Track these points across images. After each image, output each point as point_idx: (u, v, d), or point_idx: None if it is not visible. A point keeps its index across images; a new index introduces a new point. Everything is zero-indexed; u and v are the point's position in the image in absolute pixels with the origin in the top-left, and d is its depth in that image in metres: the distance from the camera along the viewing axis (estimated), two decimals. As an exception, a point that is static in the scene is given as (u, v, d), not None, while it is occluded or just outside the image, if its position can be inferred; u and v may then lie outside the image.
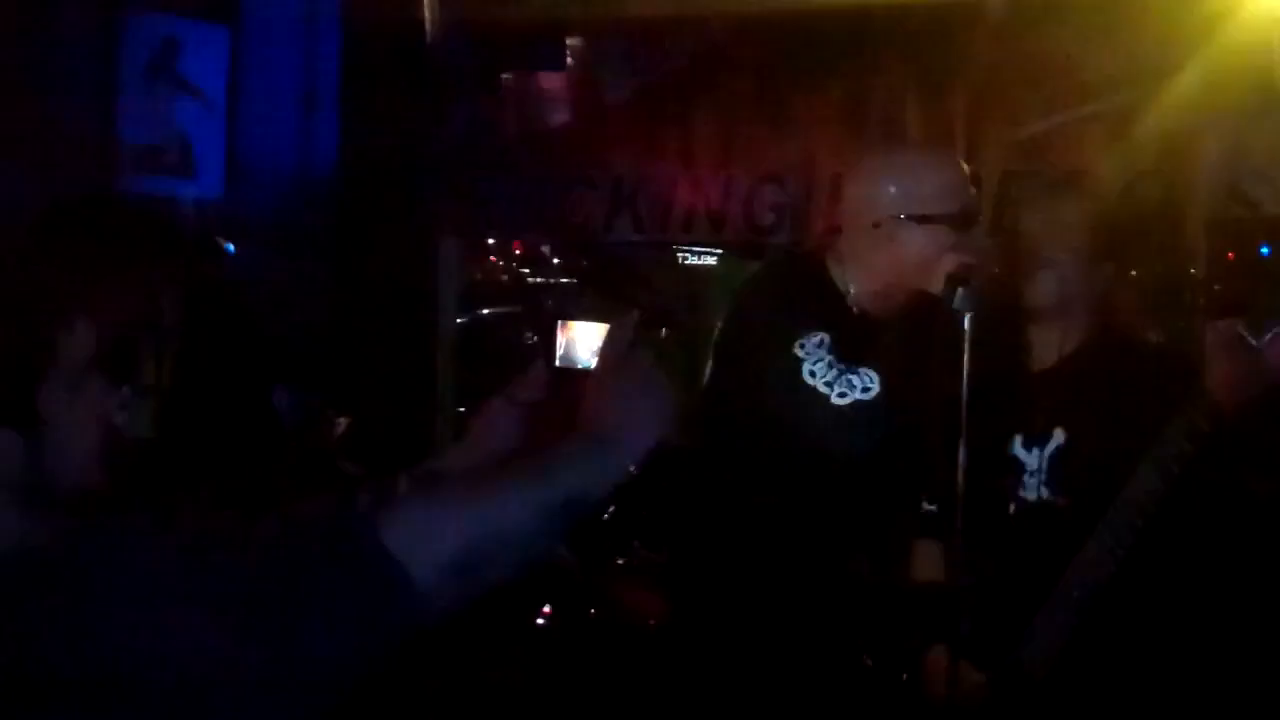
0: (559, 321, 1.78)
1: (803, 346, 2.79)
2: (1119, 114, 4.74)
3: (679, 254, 6.01)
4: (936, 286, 2.80)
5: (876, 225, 2.90)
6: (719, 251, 5.86)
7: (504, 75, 6.03)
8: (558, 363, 1.76)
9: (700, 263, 6.06)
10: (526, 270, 6.51)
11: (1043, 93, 4.87)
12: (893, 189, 2.91)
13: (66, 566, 1.30)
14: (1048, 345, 2.91)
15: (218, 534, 1.60)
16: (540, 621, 4.20)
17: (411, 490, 1.66)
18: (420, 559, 1.31)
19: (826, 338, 2.80)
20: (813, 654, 2.97)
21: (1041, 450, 2.85)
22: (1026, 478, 2.86)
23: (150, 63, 5.45)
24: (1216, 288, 3.53)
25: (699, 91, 5.61)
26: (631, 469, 1.54)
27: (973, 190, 2.99)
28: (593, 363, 1.68)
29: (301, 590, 1.29)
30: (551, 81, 5.95)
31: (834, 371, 2.77)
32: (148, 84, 5.47)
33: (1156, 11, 4.60)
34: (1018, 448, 2.88)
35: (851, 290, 2.96)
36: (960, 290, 2.73)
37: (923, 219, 2.87)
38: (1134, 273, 3.77)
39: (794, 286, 3.00)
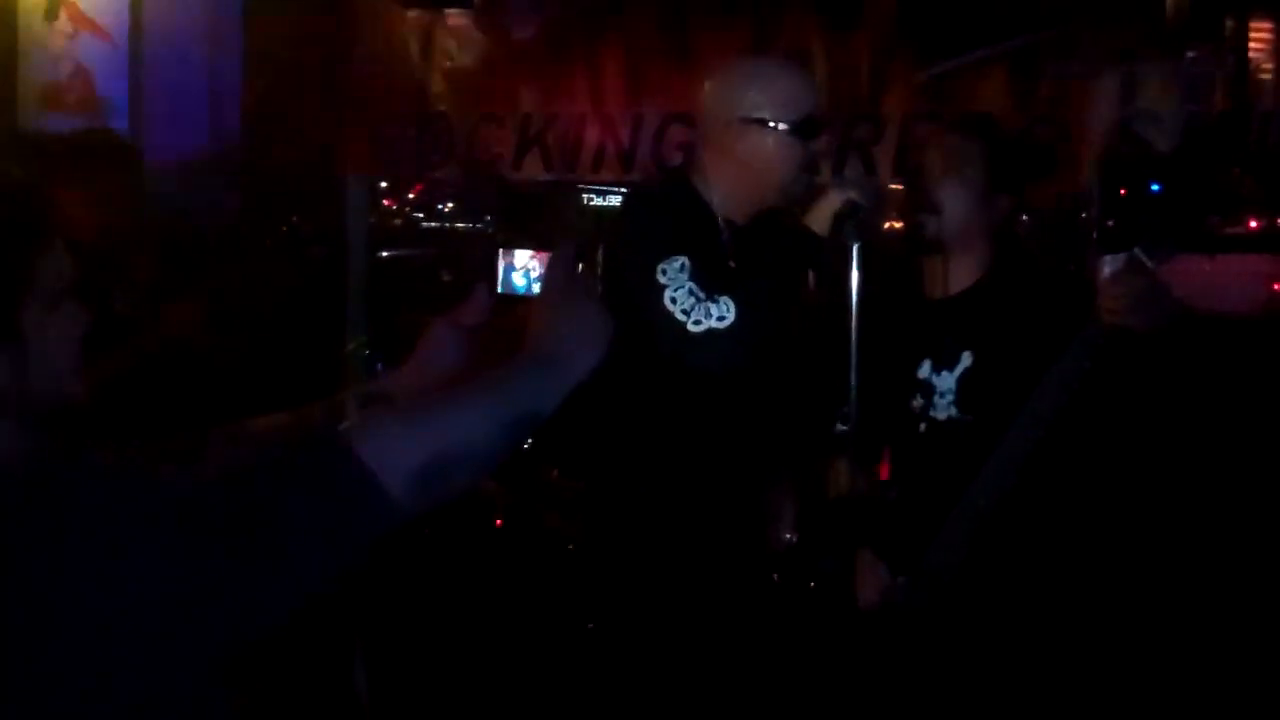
0: (500, 250, 1.85)
1: (664, 272, 2.86)
2: (1017, 56, 4.89)
3: (584, 194, 6.05)
4: (782, 198, 3.00)
5: (726, 126, 3.04)
6: (623, 191, 5.90)
7: (411, 13, 6.00)
8: (499, 289, 1.83)
9: (605, 203, 6.10)
10: (421, 215, 6.52)
11: (944, 36, 4.98)
12: (737, 93, 3.05)
13: (53, 482, 1.36)
14: (953, 275, 3.03)
15: (196, 451, 1.67)
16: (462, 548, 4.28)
17: (360, 408, 1.75)
18: (391, 470, 1.39)
19: (687, 261, 2.86)
20: (721, 572, 3.09)
21: (950, 372, 2.98)
22: (937, 398, 2.99)
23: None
24: (1110, 223, 3.70)
25: (607, 29, 5.63)
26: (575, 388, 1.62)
27: (817, 103, 3.10)
28: (533, 289, 1.77)
29: (283, 502, 1.36)
30: (458, 18, 5.94)
31: (692, 299, 2.83)
32: (46, 20, 5.40)
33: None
34: (927, 371, 3.01)
35: (714, 202, 3.06)
36: (848, 223, 2.89)
37: (762, 123, 3.01)
38: (1030, 208, 3.91)
39: (660, 207, 3.10)
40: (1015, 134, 4.63)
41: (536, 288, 1.78)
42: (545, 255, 1.61)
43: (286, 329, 4.59)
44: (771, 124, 3.01)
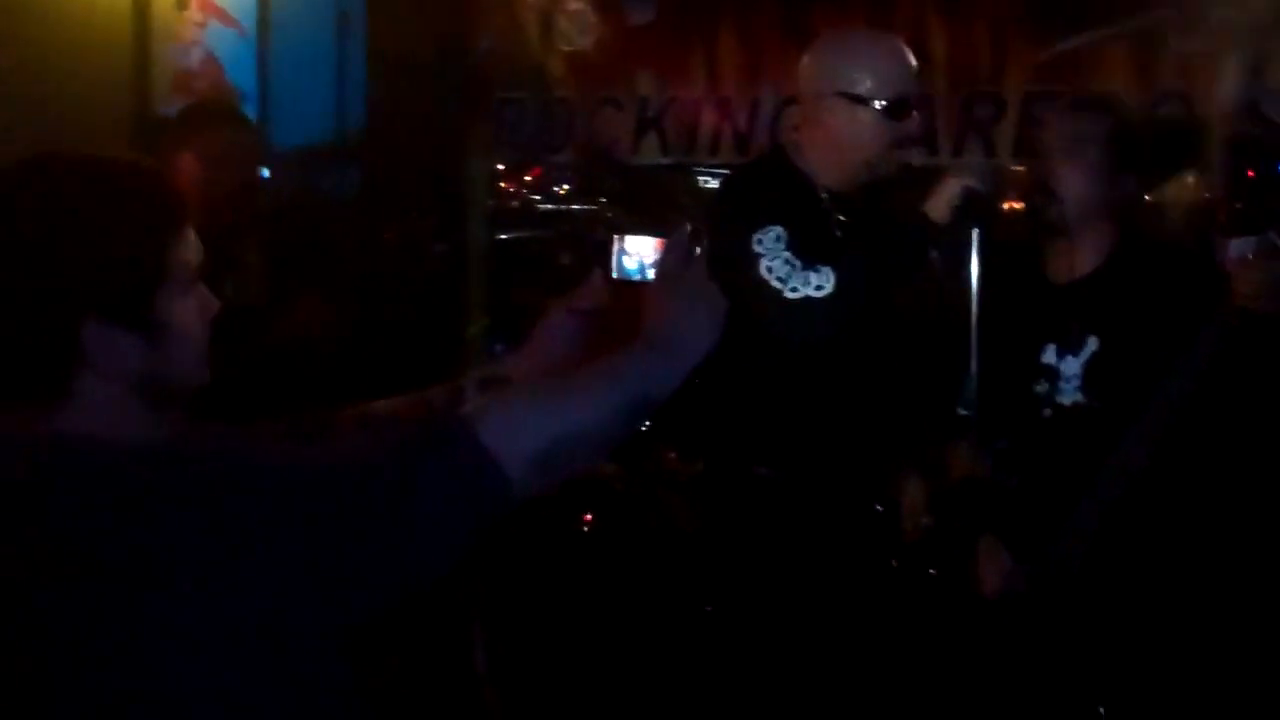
0: (614, 235, 1.87)
1: (760, 242, 2.86)
2: (1142, 34, 4.80)
3: (699, 176, 6.06)
4: (869, 174, 2.98)
5: (819, 99, 3.03)
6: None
7: (529, -1, 6.05)
8: (614, 274, 1.86)
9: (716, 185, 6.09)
10: (538, 198, 6.57)
11: (1066, 14, 4.92)
12: (831, 66, 3.04)
13: (185, 462, 1.42)
14: (1077, 259, 2.99)
15: (325, 432, 1.73)
16: (583, 529, 4.32)
17: (480, 391, 1.79)
18: (511, 454, 1.43)
19: (783, 231, 2.86)
20: (839, 557, 3.09)
21: (1076, 357, 2.94)
22: (1062, 384, 2.94)
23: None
24: (1238, 205, 3.61)
25: (724, 13, 5.64)
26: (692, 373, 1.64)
27: (912, 81, 3.06)
28: (648, 274, 1.79)
29: (406, 484, 1.40)
30: (578, 3, 5.97)
31: (788, 268, 2.82)
32: (178, 9, 5.53)
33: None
34: (1050, 355, 2.97)
35: (812, 174, 3.06)
36: (966, 211, 2.88)
37: (852, 98, 2.99)
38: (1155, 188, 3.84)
39: (757, 181, 3.11)
40: (1139, 113, 4.57)
41: (650, 273, 1.79)
42: (659, 241, 1.63)
43: (408, 322, 4.66)
44: (861, 100, 2.99)
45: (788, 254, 2.84)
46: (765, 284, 2.83)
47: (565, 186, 6.55)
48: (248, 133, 3.88)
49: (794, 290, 2.81)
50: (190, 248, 1.51)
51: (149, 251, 1.46)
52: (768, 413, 3.08)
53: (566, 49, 6.02)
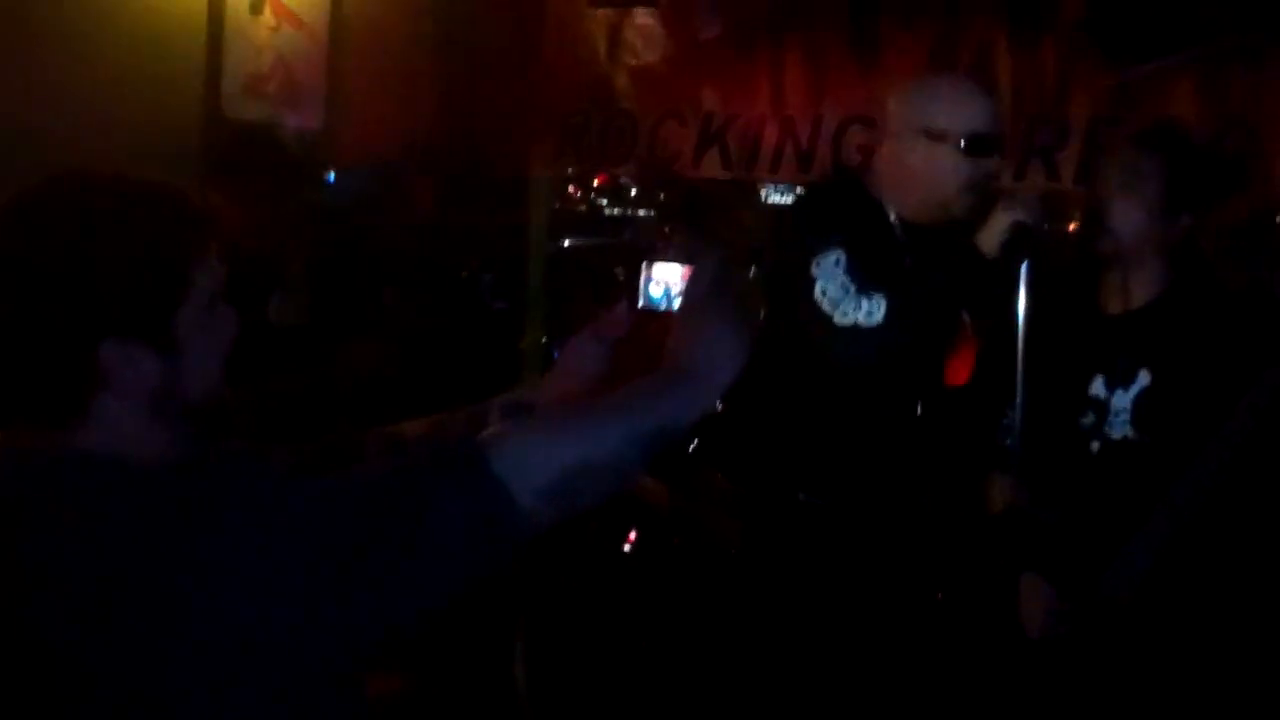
0: (644, 262, 1.87)
1: (818, 264, 2.89)
2: (1211, 61, 4.73)
3: (763, 191, 6.05)
4: (955, 210, 2.96)
5: (902, 134, 3.04)
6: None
7: (598, 11, 6.08)
8: (641, 302, 1.85)
9: (781, 200, 6.09)
10: (604, 201, 6.59)
11: (1135, 39, 4.85)
12: (918, 103, 3.06)
13: (206, 480, 1.44)
14: (1129, 290, 2.96)
15: (356, 452, 1.75)
16: (626, 548, 4.33)
17: (502, 417, 1.80)
18: (522, 485, 1.44)
19: (843, 255, 2.88)
20: (881, 585, 3.08)
21: (1126, 391, 2.91)
22: (1111, 417, 2.92)
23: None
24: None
25: (790, 30, 5.63)
26: (714, 404, 1.64)
27: (996, 123, 3.07)
28: (674, 304, 1.79)
29: (419, 508, 1.41)
30: (645, 17, 5.99)
31: (842, 292, 2.85)
32: (252, 14, 5.61)
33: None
34: (1099, 388, 2.94)
35: (886, 206, 3.07)
36: (1015, 245, 2.87)
37: (936, 136, 2.99)
38: (1217, 220, 3.78)
39: (825, 203, 3.15)
40: (1204, 144, 4.50)
41: (676, 301, 1.79)
42: (688, 268, 1.62)
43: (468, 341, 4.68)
44: (945, 139, 3.00)
45: (845, 278, 2.86)
46: (817, 307, 2.84)
47: (632, 191, 6.58)
48: (287, 161, 3.93)
49: (844, 315, 2.83)
50: (213, 269, 1.52)
51: (169, 272, 1.47)
52: (812, 438, 3.08)
53: (633, 63, 6.05)
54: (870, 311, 2.83)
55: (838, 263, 2.88)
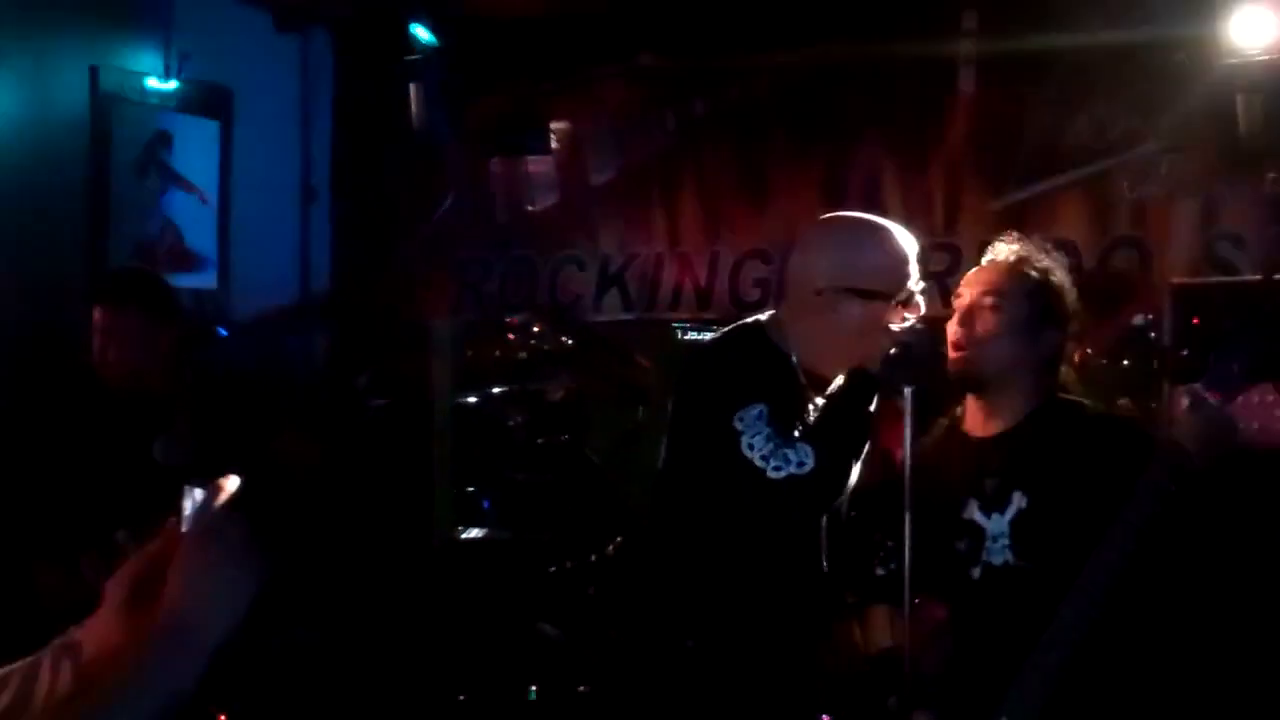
0: (186, 486, 1.59)
1: (741, 419, 2.75)
2: (1095, 182, 4.79)
3: (676, 329, 6.01)
4: (873, 360, 2.81)
5: (818, 293, 2.89)
6: (715, 327, 5.84)
7: (491, 160, 6.08)
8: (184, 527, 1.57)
9: (699, 337, 6.04)
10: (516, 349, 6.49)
11: (1019, 163, 4.91)
12: (836, 259, 2.89)
13: None
14: (996, 412, 2.92)
15: None
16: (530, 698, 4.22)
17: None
18: None
19: (765, 409, 2.75)
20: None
21: (1002, 515, 2.84)
22: (989, 543, 2.84)
23: (141, 156, 5.52)
24: (1184, 353, 3.55)
25: (681, 170, 5.66)
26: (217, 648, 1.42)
27: (916, 269, 2.93)
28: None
29: None
30: (539, 164, 6.01)
31: (770, 445, 2.72)
32: (139, 177, 5.54)
33: (1127, 80, 4.67)
34: (975, 512, 2.87)
35: (794, 358, 2.92)
36: (899, 367, 2.77)
37: (863, 294, 2.86)
38: (1088, 337, 3.78)
39: (736, 356, 2.95)
40: (1093, 261, 4.53)
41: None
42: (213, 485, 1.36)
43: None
44: (875, 295, 2.86)
45: (769, 430, 2.73)
46: (748, 463, 2.73)
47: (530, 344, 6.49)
48: (166, 310, 3.85)
49: (777, 470, 2.71)
50: None
51: None
52: (715, 588, 2.96)
53: (530, 209, 6.04)
54: (802, 461, 2.72)
55: (760, 416, 2.75)
